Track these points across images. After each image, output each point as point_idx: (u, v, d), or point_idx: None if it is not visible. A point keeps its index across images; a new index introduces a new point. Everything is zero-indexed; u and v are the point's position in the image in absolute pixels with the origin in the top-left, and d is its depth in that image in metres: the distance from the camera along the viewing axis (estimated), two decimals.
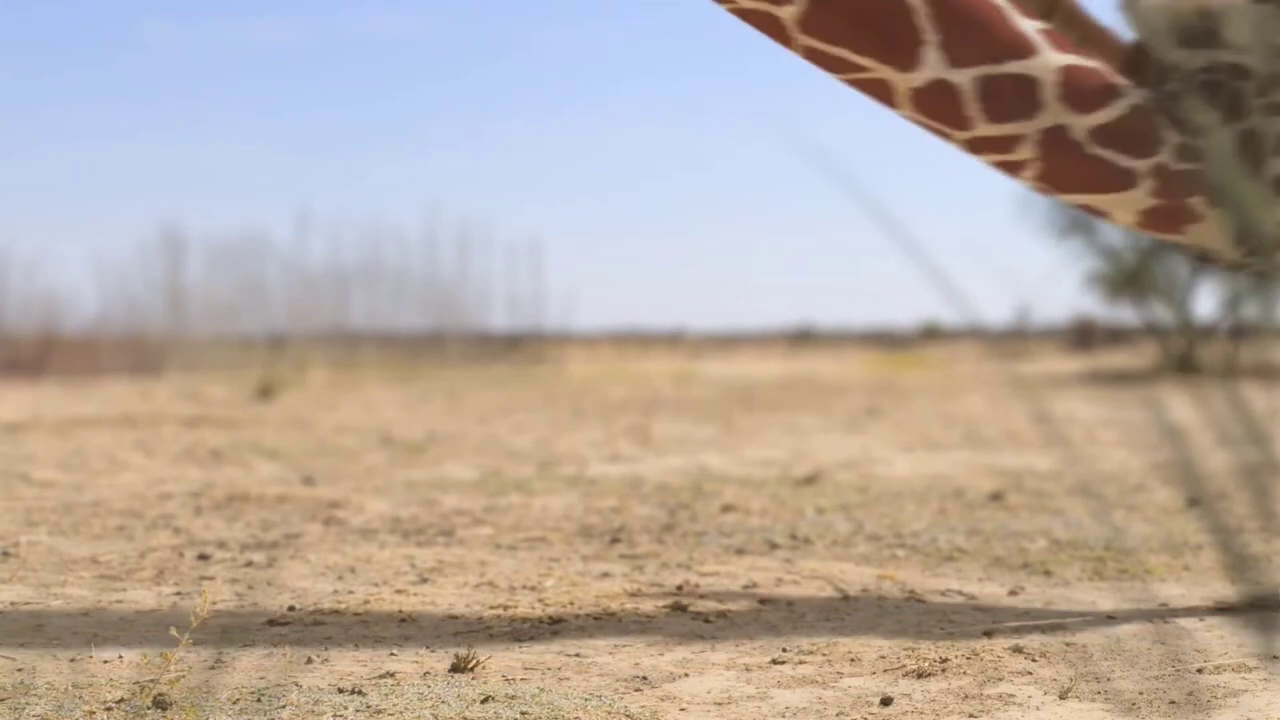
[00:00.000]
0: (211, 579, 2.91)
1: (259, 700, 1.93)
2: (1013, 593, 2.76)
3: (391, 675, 2.09)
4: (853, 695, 1.99)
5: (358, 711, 1.88)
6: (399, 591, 2.75)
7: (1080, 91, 2.20)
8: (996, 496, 4.16)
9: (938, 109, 2.24)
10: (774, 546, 3.33)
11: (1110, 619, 2.49)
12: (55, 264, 27.26)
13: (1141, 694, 1.97)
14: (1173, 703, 1.92)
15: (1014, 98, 2.20)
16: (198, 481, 4.62)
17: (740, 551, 3.26)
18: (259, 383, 10.00)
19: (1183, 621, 2.46)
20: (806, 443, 6.21)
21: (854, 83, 2.27)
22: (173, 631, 2.38)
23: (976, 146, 2.26)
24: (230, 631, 2.41)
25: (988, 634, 2.37)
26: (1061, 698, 1.95)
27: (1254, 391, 1.96)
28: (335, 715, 1.86)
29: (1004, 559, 3.15)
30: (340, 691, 1.98)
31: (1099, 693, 1.98)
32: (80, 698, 1.94)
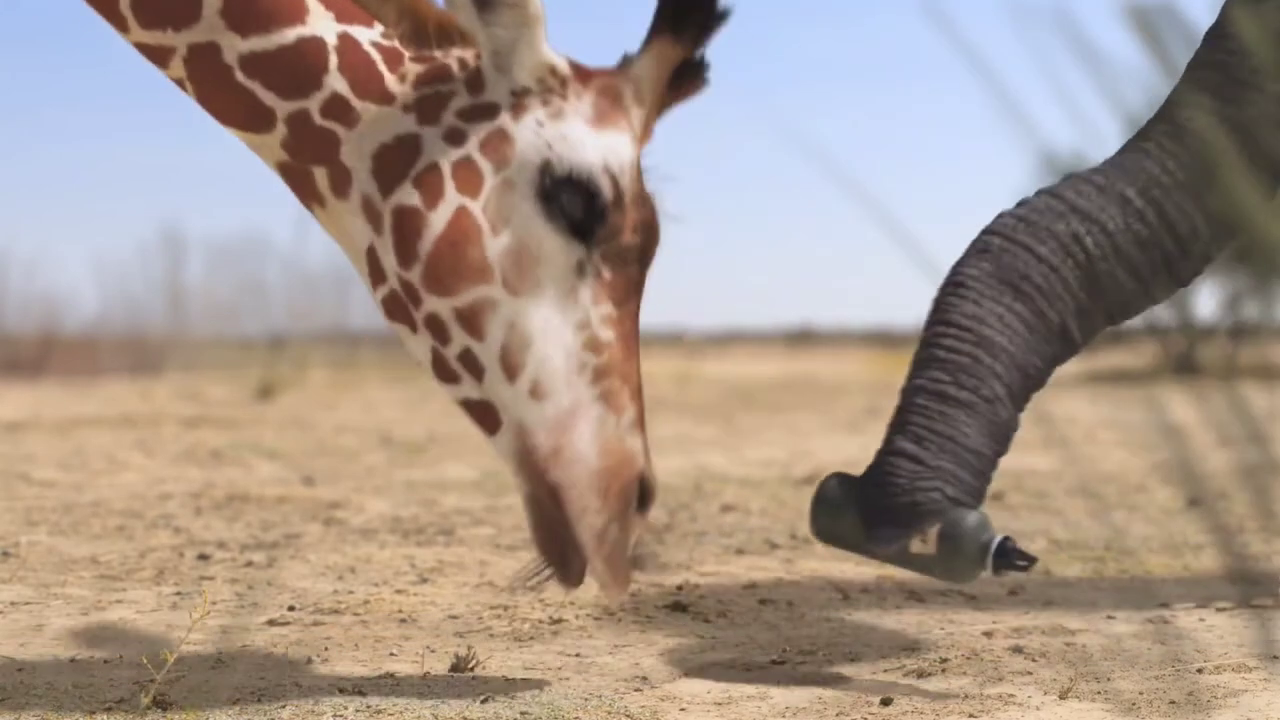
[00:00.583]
0: (211, 579, 2.91)
1: (259, 700, 1.93)
2: (1013, 593, 2.76)
3: (391, 675, 2.09)
4: (853, 695, 1.98)
5: (358, 711, 1.88)
6: (399, 591, 2.75)
7: (246, 9, 1.85)
8: (996, 496, 4.16)
9: None
10: (774, 546, 3.33)
11: (1110, 619, 2.49)
12: (55, 264, 27.25)
13: (1141, 694, 1.97)
14: (1173, 703, 1.92)
15: (168, 2, 1.86)
16: (198, 481, 4.62)
17: (740, 551, 3.26)
18: (259, 383, 9.99)
19: (1183, 621, 2.45)
20: (806, 443, 6.21)
21: None
22: (173, 631, 2.39)
23: (142, 52, 1.92)
24: (230, 631, 2.41)
25: (988, 634, 2.37)
26: (1061, 698, 1.95)
27: (1254, 391, 1.96)
28: (335, 715, 1.86)
29: None
30: (340, 691, 1.98)
31: (1099, 693, 1.98)
32: (80, 698, 1.94)
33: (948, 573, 1.94)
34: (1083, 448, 5.86)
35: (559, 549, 1.88)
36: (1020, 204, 2.07)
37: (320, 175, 1.92)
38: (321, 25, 1.89)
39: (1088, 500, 4.21)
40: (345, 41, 1.89)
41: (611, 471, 1.83)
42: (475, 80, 1.89)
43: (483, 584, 2.84)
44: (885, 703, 1.94)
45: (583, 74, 1.90)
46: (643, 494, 1.87)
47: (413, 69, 1.90)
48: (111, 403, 8.96)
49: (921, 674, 2.10)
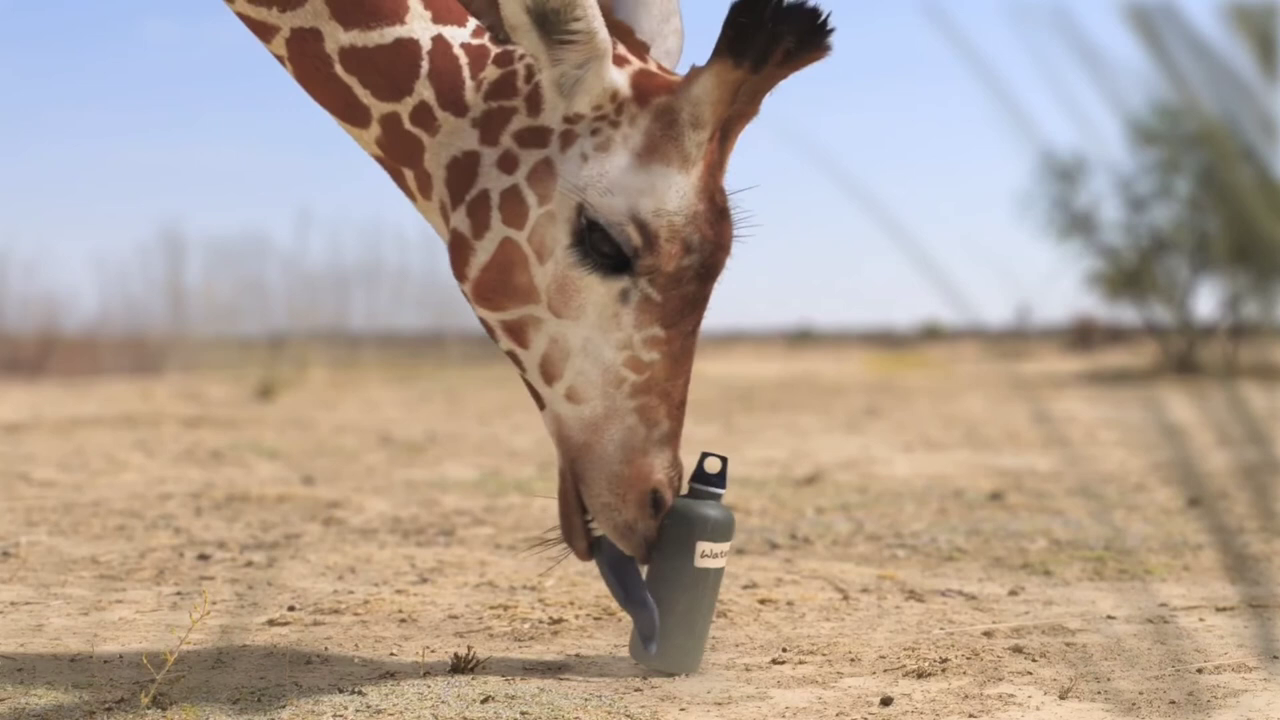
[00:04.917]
0: (211, 579, 2.91)
1: (259, 700, 1.93)
2: (1013, 593, 2.76)
3: (391, 675, 2.09)
4: (853, 695, 1.99)
5: (358, 711, 1.88)
6: (399, 591, 2.75)
7: (349, 2, 1.91)
8: (996, 496, 4.16)
9: None
10: (774, 546, 3.33)
11: (1110, 619, 2.49)
12: (55, 264, 27.28)
13: (1141, 694, 1.97)
14: (1173, 703, 1.92)
15: None
16: (198, 481, 4.62)
17: (740, 551, 3.26)
18: (259, 383, 10.00)
19: (1183, 621, 2.45)
20: (807, 443, 6.21)
21: None
22: (173, 631, 2.39)
23: (247, 24, 1.98)
24: (230, 631, 2.41)
25: (988, 634, 2.37)
26: (1061, 698, 1.95)
27: (1254, 391, 1.96)
28: (335, 715, 1.87)
29: (1004, 559, 3.15)
30: (340, 691, 1.98)
31: (1099, 693, 1.98)
32: (80, 698, 1.94)
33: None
34: (1083, 448, 5.86)
35: (572, 522, 2.02)
36: None
37: (409, 175, 2.00)
38: (418, 26, 1.95)
39: (1088, 500, 4.21)
40: (438, 45, 1.95)
41: (629, 479, 1.95)
42: (535, 99, 1.93)
43: (483, 584, 2.84)
44: (885, 703, 1.94)
45: (643, 92, 1.90)
46: (656, 503, 1.97)
47: (491, 74, 1.95)
48: (111, 403, 8.95)
49: (921, 674, 2.10)
